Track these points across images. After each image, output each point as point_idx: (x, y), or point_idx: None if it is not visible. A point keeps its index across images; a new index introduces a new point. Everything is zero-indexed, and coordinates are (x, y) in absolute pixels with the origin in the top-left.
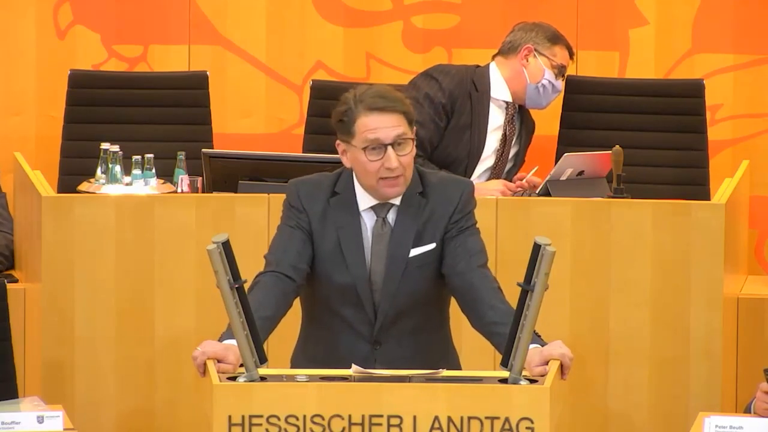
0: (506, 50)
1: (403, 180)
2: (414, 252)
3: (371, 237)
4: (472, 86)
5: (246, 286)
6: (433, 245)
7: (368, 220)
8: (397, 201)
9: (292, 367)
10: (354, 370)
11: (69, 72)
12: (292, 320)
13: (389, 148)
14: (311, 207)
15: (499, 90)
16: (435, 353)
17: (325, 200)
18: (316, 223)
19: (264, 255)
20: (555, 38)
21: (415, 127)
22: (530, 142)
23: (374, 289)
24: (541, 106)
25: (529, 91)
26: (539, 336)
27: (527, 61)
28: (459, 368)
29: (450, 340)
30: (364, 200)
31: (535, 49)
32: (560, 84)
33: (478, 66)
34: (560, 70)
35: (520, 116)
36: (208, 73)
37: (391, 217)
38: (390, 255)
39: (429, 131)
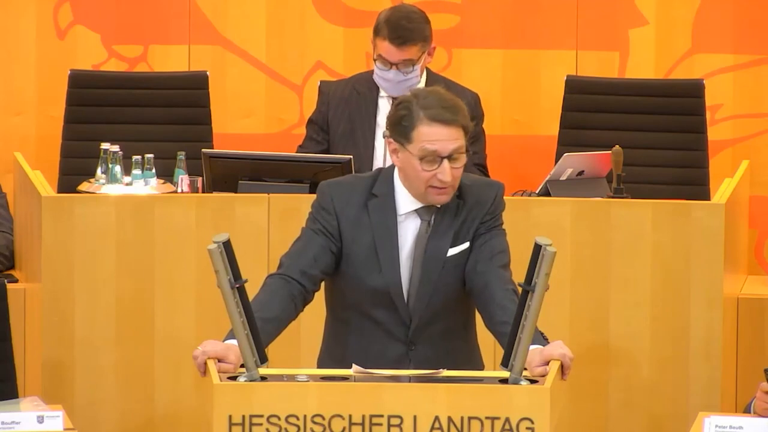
0: None
1: (452, 190)
2: (451, 252)
3: (413, 240)
4: (353, 92)
5: (247, 286)
6: (467, 244)
7: (410, 224)
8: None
9: (320, 368)
10: (354, 370)
11: (69, 72)
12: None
13: (445, 161)
14: (344, 210)
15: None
16: (465, 354)
17: (362, 203)
18: (349, 226)
19: (280, 256)
20: (376, 29)
21: (468, 137)
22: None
23: (410, 292)
24: (396, 94)
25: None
26: (545, 338)
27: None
28: (481, 360)
29: (475, 343)
30: (405, 204)
31: (372, 40)
32: (390, 74)
33: (370, 70)
34: (383, 63)
35: None
36: (208, 73)
37: (432, 219)
38: (428, 255)
39: (308, 149)
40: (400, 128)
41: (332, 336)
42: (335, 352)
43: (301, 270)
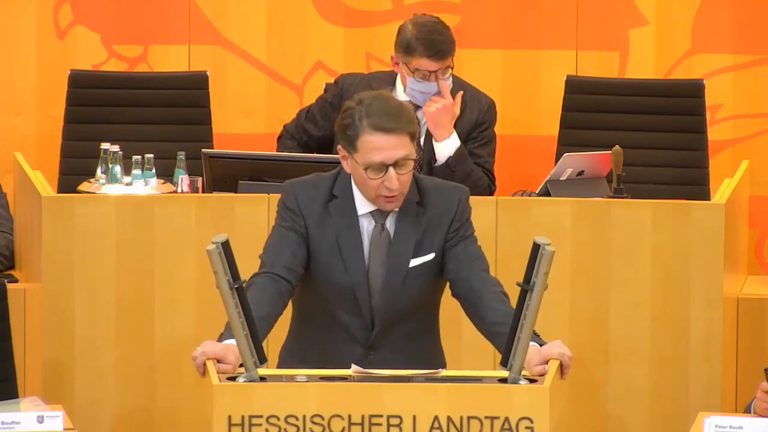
0: None
1: (401, 196)
2: (414, 262)
3: (369, 242)
4: (368, 89)
5: (245, 287)
6: (432, 255)
7: (367, 225)
8: (397, 207)
9: (280, 365)
10: (354, 370)
11: (69, 72)
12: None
13: (391, 168)
14: (309, 210)
15: (400, 92)
16: (426, 357)
17: (323, 204)
18: (314, 226)
19: (259, 255)
20: (408, 48)
21: (414, 142)
22: (482, 128)
23: (372, 293)
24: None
25: (409, 96)
26: (538, 335)
27: (398, 68)
28: (443, 364)
29: (439, 343)
30: (363, 205)
31: (397, 57)
32: (428, 86)
33: (389, 71)
34: (423, 75)
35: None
36: (208, 73)
37: (389, 222)
38: (390, 265)
39: (293, 139)
40: (346, 137)
41: (294, 334)
42: (298, 350)
43: (286, 267)
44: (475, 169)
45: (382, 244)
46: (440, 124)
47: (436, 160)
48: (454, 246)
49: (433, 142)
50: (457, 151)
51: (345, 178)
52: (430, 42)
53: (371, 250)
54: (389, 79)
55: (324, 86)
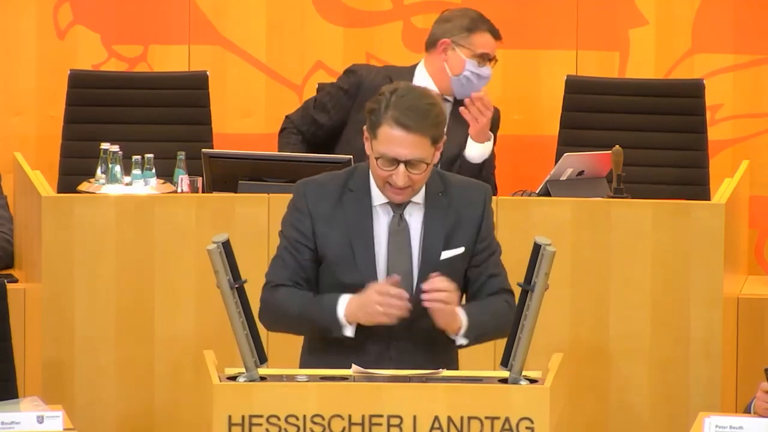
0: (428, 46)
1: (411, 191)
2: (445, 255)
3: (387, 233)
4: (388, 82)
5: (246, 287)
6: (462, 249)
7: (383, 216)
8: (419, 199)
9: (302, 368)
10: (354, 370)
11: (69, 72)
12: None
13: (401, 165)
14: (317, 209)
15: (431, 85)
16: (444, 349)
17: (336, 199)
18: (322, 225)
19: (266, 274)
20: (472, 26)
21: (439, 145)
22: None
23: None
24: (469, 96)
25: (454, 84)
26: None
27: (446, 55)
28: (457, 362)
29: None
30: (380, 195)
31: (453, 41)
32: (487, 70)
33: (408, 66)
34: (483, 57)
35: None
36: (208, 73)
37: (408, 213)
38: (422, 257)
39: (300, 131)
40: (370, 121)
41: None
42: (315, 347)
43: (303, 278)
44: (492, 175)
45: (401, 235)
46: (483, 130)
47: (460, 157)
48: (479, 264)
49: (472, 141)
50: (491, 155)
51: (362, 172)
52: (490, 23)
53: (390, 242)
54: (407, 73)
55: (338, 77)
